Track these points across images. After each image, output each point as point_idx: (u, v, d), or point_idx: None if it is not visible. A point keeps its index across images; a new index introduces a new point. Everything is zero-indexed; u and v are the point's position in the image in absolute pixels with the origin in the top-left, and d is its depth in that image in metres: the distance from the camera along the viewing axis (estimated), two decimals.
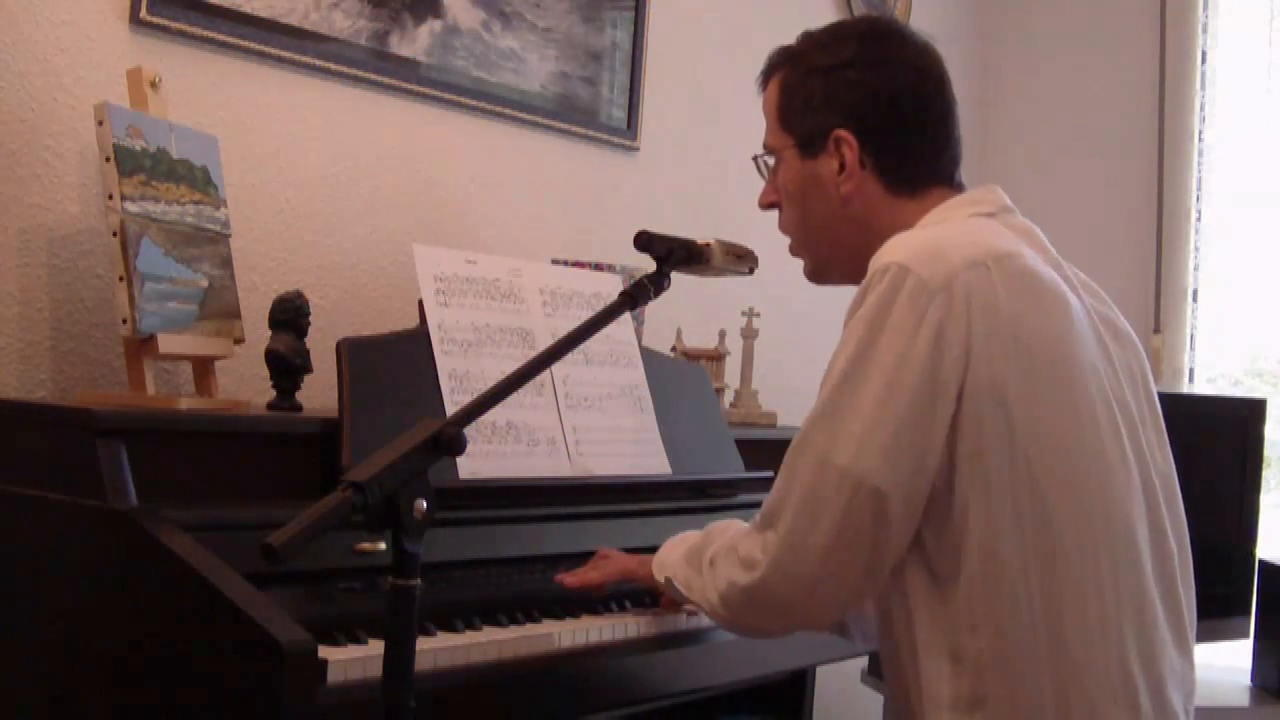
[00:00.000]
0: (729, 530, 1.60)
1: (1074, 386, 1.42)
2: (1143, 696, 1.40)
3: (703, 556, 1.59)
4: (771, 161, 1.66)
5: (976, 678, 1.37)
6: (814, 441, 1.41)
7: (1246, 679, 2.80)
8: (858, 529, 1.38)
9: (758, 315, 2.71)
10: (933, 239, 1.45)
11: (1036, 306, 1.42)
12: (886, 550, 1.40)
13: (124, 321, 1.77)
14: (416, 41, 2.45)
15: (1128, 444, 1.46)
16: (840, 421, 1.39)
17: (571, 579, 1.81)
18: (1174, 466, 1.56)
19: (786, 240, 1.69)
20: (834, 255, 1.64)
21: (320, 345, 2.03)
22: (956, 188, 1.61)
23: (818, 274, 1.69)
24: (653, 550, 1.74)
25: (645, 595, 1.89)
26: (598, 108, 2.81)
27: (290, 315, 1.91)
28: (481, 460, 1.86)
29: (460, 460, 1.80)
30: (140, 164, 1.82)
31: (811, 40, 1.64)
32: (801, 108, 1.60)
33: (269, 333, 1.92)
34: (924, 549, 1.41)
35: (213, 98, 2.14)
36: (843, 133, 1.57)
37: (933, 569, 1.41)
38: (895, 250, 1.43)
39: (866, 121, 1.57)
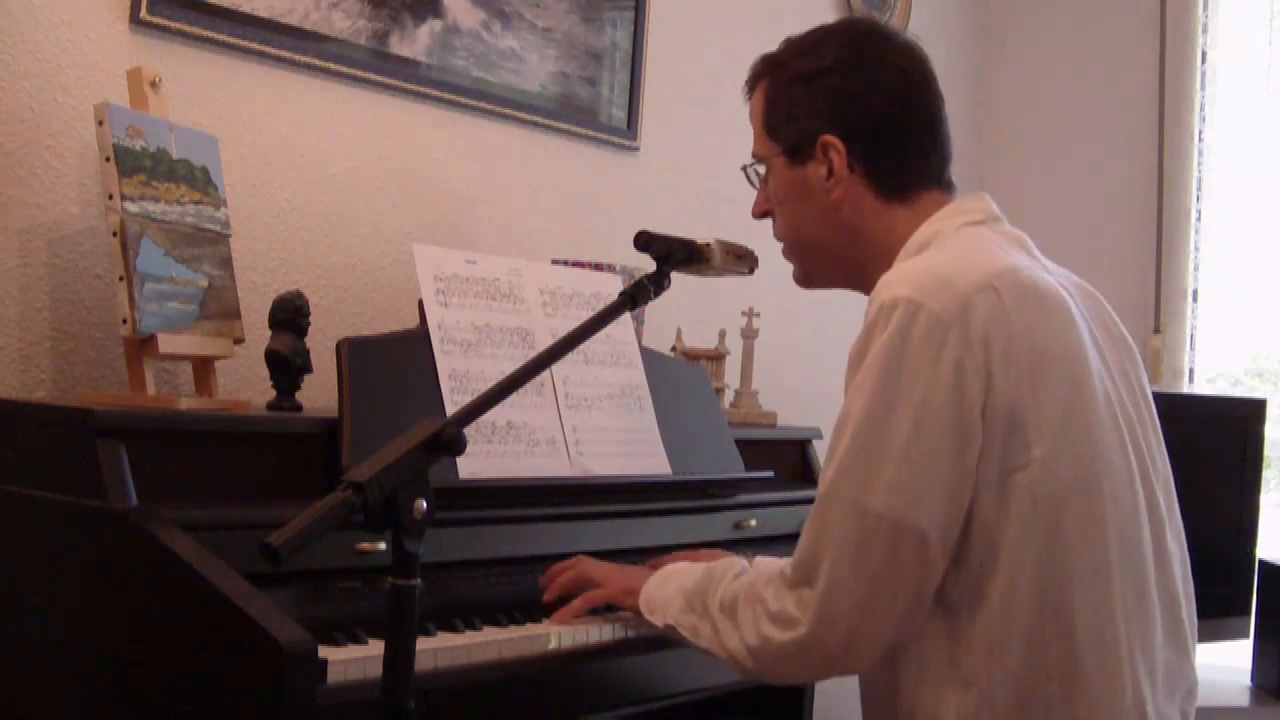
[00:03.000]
0: (732, 570, 1.55)
1: (1084, 399, 1.41)
2: (1148, 703, 1.40)
3: (707, 600, 1.54)
4: (762, 170, 1.65)
5: (986, 700, 1.37)
6: (844, 490, 1.38)
7: (1246, 679, 2.81)
8: (899, 573, 1.36)
9: (758, 315, 2.71)
10: (935, 267, 1.43)
11: (1046, 320, 1.42)
12: (926, 590, 1.39)
13: (124, 321, 1.77)
14: (416, 41, 2.45)
15: (1130, 450, 1.46)
16: (869, 467, 1.37)
17: (559, 617, 1.74)
18: (1169, 466, 1.56)
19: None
20: (825, 262, 1.63)
21: (320, 345, 2.03)
22: (946, 187, 1.60)
23: (808, 279, 1.68)
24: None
25: None
26: (598, 108, 2.81)
27: (290, 315, 1.91)
28: (481, 460, 1.86)
29: (460, 460, 1.80)
30: (140, 164, 1.82)
31: (793, 47, 1.62)
32: (786, 116, 1.59)
33: (269, 333, 1.92)
34: (941, 582, 1.40)
35: (213, 98, 2.14)
36: (829, 138, 1.55)
37: (946, 601, 1.40)
38: (900, 283, 1.40)
39: (852, 126, 1.55)
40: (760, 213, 1.68)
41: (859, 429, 1.38)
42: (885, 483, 1.36)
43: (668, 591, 1.62)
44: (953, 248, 1.48)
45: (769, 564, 1.54)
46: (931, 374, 1.35)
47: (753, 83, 1.65)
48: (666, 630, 1.62)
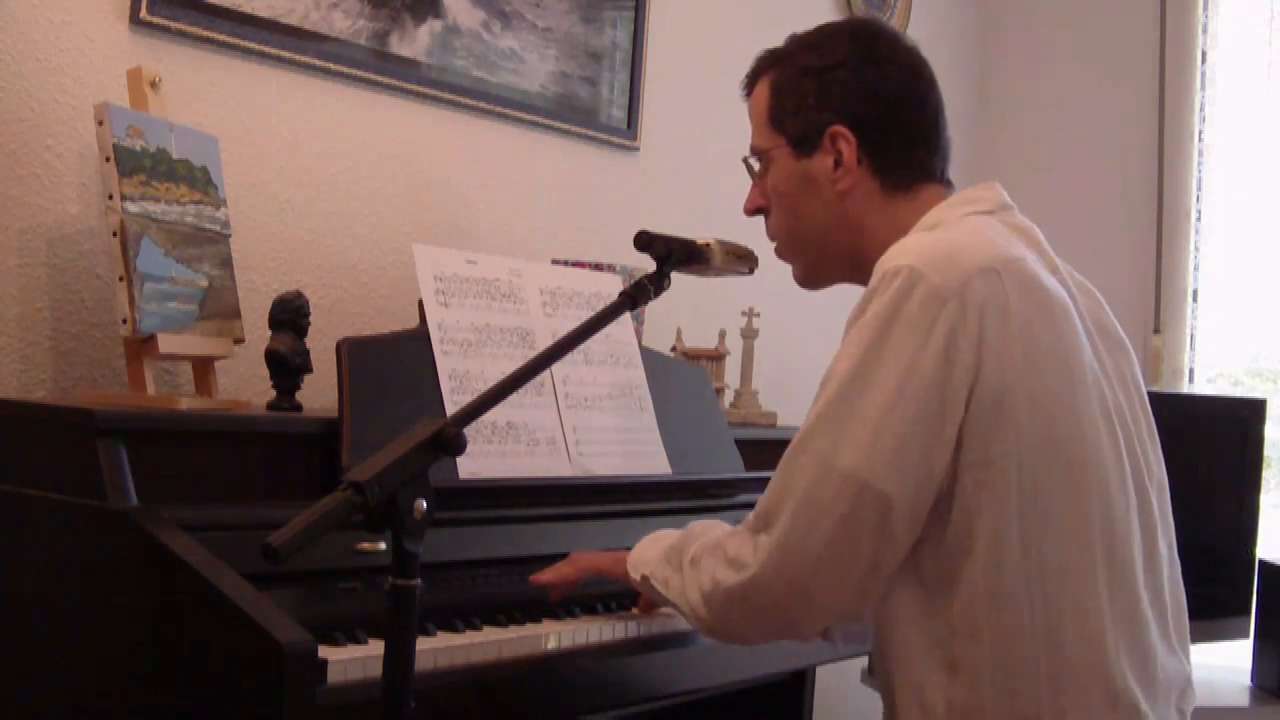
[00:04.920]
0: (712, 530, 1.57)
1: (1076, 394, 1.42)
2: (1141, 702, 1.40)
3: (683, 555, 1.56)
4: (757, 165, 1.66)
5: (973, 687, 1.37)
6: (815, 444, 1.39)
7: (1246, 679, 2.81)
8: (857, 535, 1.37)
9: (758, 315, 2.71)
10: (942, 242, 1.44)
11: (1045, 314, 1.42)
12: (883, 561, 1.39)
13: (124, 321, 1.77)
14: (416, 41, 2.45)
15: (1123, 449, 1.46)
16: (844, 425, 1.37)
17: (543, 576, 1.76)
18: (1164, 468, 1.56)
19: None
20: (826, 256, 1.63)
21: (320, 345, 2.03)
22: (947, 185, 1.61)
23: (809, 277, 1.67)
24: None
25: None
26: (598, 108, 2.81)
27: (290, 315, 1.91)
28: (481, 460, 1.86)
29: (460, 460, 1.80)
30: (140, 164, 1.82)
31: (801, 42, 1.63)
32: (795, 107, 1.59)
33: (269, 333, 1.92)
34: (917, 560, 1.40)
35: (213, 98, 2.14)
36: (839, 129, 1.56)
37: (925, 580, 1.40)
38: (905, 254, 1.41)
39: (862, 118, 1.56)
40: (753, 209, 1.67)
41: (841, 386, 1.39)
42: (858, 442, 1.36)
43: (653, 551, 1.64)
44: (961, 231, 1.49)
45: None
46: (921, 343, 1.35)
47: (754, 77, 1.66)
48: (641, 584, 1.64)
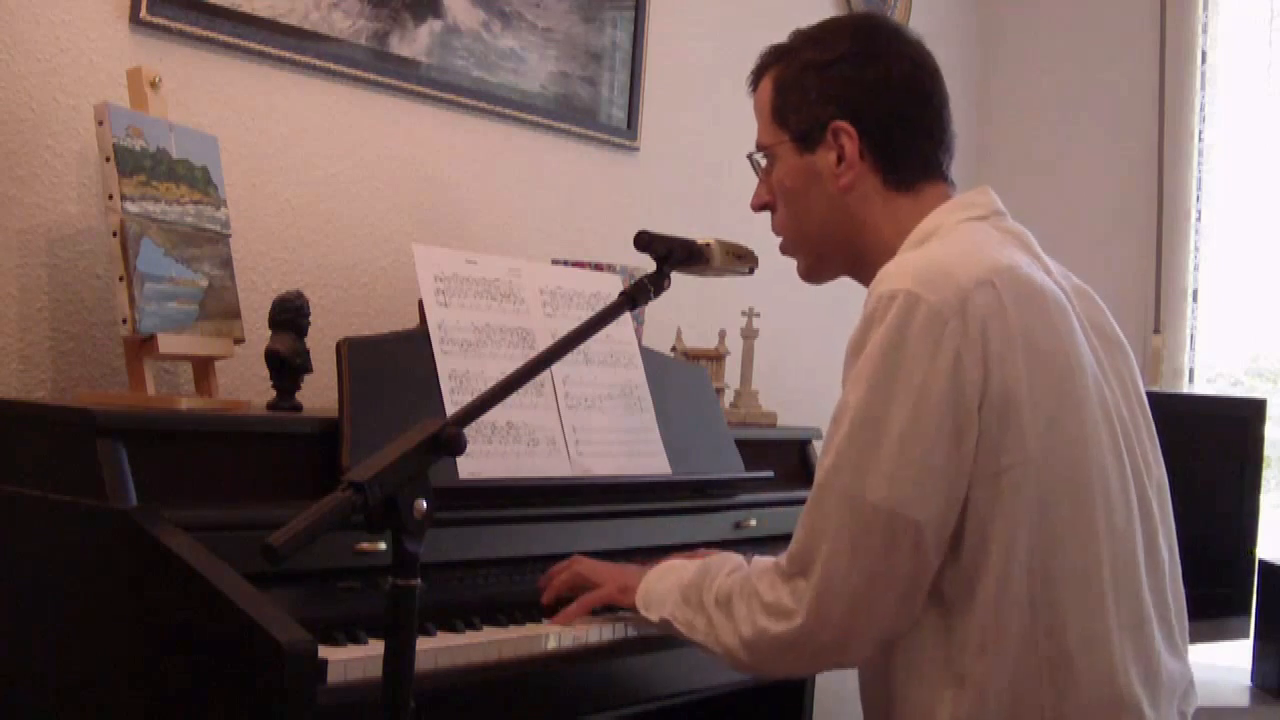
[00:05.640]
0: (728, 565, 1.56)
1: (1078, 399, 1.42)
2: (1145, 705, 1.40)
3: (703, 595, 1.54)
4: (764, 161, 1.66)
5: (979, 700, 1.37)
6: (840, 481, 1.39)
7: (1246, 679, 2.81)
8: (895, 565, 1.37)
9: (758, 315, 2.71)
10: (935, 260, 1.43)
11: (1044, 320, 1.42)
12: (920, 582, 1.39)
13: (124, 321, 1.77)
14: (416, 41, 2.45)
15: (1124, 453, 1.46)
16: (866, 458, 1.37)
17: (559, 620, 1.73)
18: (1165, 470, 1.56)
19: None
20: (828, 252, 1.63)
21: (320, 345, 2.03)
22: (948, 181, 1.61)
23: (812, 273, 1.67)
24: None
25: None
26: (598, 108, 2.81)
27: (290, 315, 1.91)
28: (481, 460, 1.86)
29: (460, 460, 1.80)
30: (140, 164, 1.82)
31: (804, 37, 1.63)
32: (798, 102, 1.59)
33: (269, 333, 1.92)
34: (934, 581, 1.40)
35: (213, 98, 2.14)
36: (841, 124, 1.56)
37: (943, 595, 1.40)
38: (900, 276, 1.41)
39: (864, 113, 1.56)
40: (759, 205, 1.67)
41: (856, 419, 1.38)
42: (882, 474, 1.36)
43: (664, 587, 1.62)
44: (953, 242, 1.49)
45: (765, 560, 1.54)
46: (929, 366, 1.35)
47: (759, 73, 1.66)
48: (661, 625, 1.62)
